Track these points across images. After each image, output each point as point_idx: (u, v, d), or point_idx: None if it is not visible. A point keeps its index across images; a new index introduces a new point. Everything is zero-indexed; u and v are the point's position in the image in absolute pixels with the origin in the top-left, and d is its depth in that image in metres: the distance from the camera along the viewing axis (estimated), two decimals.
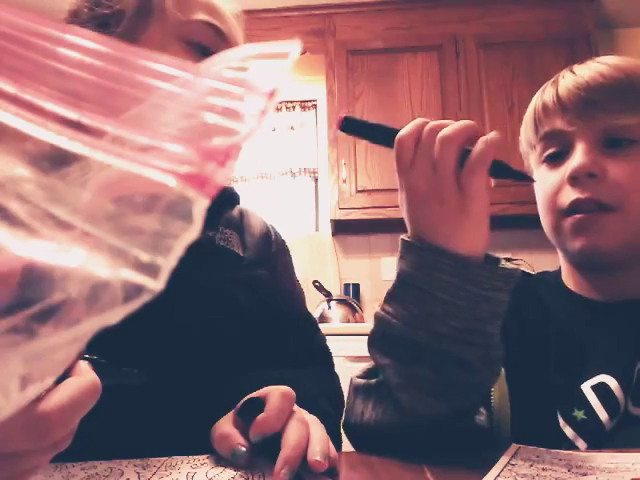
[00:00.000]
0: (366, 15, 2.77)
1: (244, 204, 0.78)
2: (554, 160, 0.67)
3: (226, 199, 0.73)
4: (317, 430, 0.45)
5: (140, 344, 0.55)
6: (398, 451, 0.49)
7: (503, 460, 0.45)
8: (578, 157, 0.62)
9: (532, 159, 0.71)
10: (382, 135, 0.53)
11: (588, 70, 0.65)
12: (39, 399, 0.27)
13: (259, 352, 0.64)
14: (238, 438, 0.44)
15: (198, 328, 0.61)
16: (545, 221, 0.68)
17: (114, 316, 0.17)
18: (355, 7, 2.77)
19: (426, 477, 0.44)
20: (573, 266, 0.70)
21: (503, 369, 0.61)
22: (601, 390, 0.59)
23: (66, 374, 0.30)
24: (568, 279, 0.72)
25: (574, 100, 0.64)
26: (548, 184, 0.66)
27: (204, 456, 0.47)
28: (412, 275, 0.52)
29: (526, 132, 0.71)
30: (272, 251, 0.75)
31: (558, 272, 0.74)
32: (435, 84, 2.68)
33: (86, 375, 0.30)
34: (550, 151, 0.67)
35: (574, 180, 0.63)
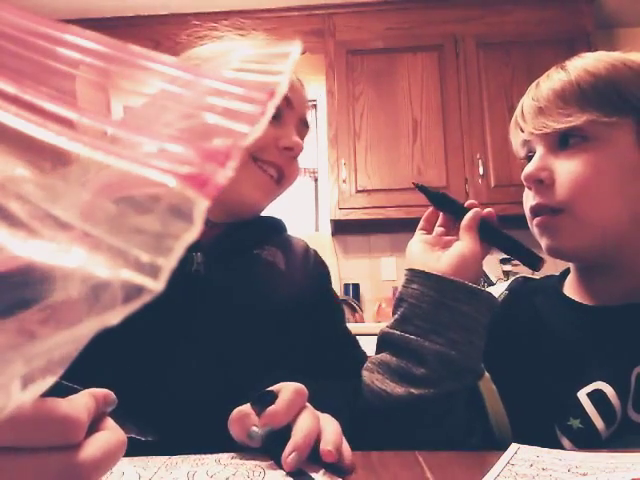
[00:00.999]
0: (366, 15, 2.78)
1: (290, 233, 0.86)
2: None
3: (274, 225, 0.81)
4: (330, 424, 0.46)
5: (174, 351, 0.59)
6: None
7: (503, 460, 0.45)
8: (529, 165, 0.66)
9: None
10: (449, 206, 0.68)
11: (549, 79, 0.67)
12: (75, 449, 0.28)
13: (293, 364, 0.65)
14: (255, 419, 0.45)
15: (236, 337, 0.64)
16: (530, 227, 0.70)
17: (114, 316, 0.17)
18: (355, 7, 2.77)
19: (426, 477, 0.44)
20: (585, 278, 0.70)
21: (493, 383, 0.64)
22: (597, 397, 0.58)
23: (94, 427, 0.31)
24: (570, 282, 0.71)
25: (531, 112, 0.67)
26: (524, 190, 0.69)
27: (204, 455, 0.47)
28: (399, 291, 0.64)
29: (511, 137, 0.75)
30: (310, 268, 0.79)
31: (560, 276, 0.74)
32: (435, 84, 2.68)
33: (115, 430, 0.32)
34: (523, 156, 0.71)
35: (529, 187, 0.66)
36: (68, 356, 0.19)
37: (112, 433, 0.32)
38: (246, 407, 0.48)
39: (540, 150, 0.65)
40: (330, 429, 0.45)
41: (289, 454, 0.41)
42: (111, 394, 0.35)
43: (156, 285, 0.17)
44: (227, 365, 0.61)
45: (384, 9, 2.77)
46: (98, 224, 0.18)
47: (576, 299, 0.68)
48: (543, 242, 0.65)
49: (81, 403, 0.30)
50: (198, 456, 0.48)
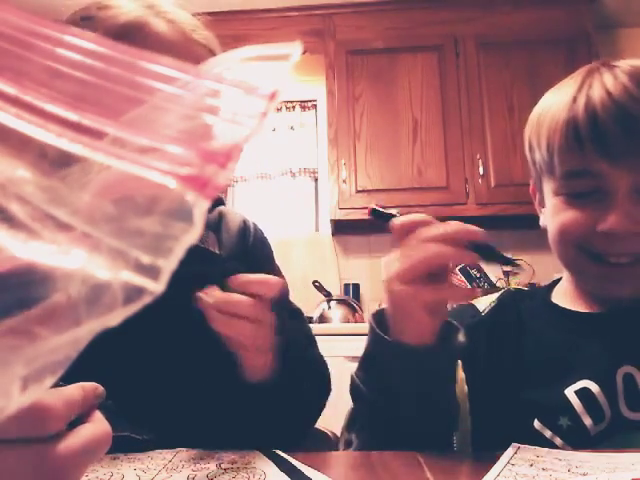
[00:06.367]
0: (366, 15, 2.77)
1: (227, 207, 0.79)
2: (579, 198, 0.61)
3: None
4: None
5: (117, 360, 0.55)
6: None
7: (503, 460, 0.45)
8: (618, 213, 0.57)
9: (546, 184, 0.66)
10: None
11: (626, 92, 0.57)
12: (52, 441, 0.28)
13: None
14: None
15: (171, 329, 0.61)
16: (560, 253, 0.65)
17: (114, 318, 0.17)
18: (355, 7, 2.77)
19: (426, 477, 0.44)
20: (581, 290, 0.68)
21: (466, 388, 0.63)
22: (584, 395, 0.59)
23: (81, 419, 0.31)
24: (562, 291, 0.71)
25: (617, 139, 0.57)
26: (569, 220, 0.61)
27: (205, 458, 0.47)
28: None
29: (544, 152, 0.63)
30: (249, 245, 0.74)
31: (549, 286, 0.74)
32: (435, 84, 2.68)
33: (100, 423, 0.31)
34: (577, 191, 0.61)
35: (611, 234, 0.58)
36: (68, 357, 0.19)
37: (96, 426, 0.31)
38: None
39: (620, 195, 0.57)
40: None
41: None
42: (100, 387, 0.34)
43: (156, 286, 0.17)
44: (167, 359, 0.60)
45: (384, 9, 2.76)
46: (98, 225, 0.18)
47: (566, 307, 0.68)
48: (609, 289, 0.61)
49: (57, 393, 0.30)
50: (199, 459, 0.48)
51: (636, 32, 2.89)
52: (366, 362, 0.58)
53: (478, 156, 2.59)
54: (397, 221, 0.53)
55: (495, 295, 0.76)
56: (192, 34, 0.64)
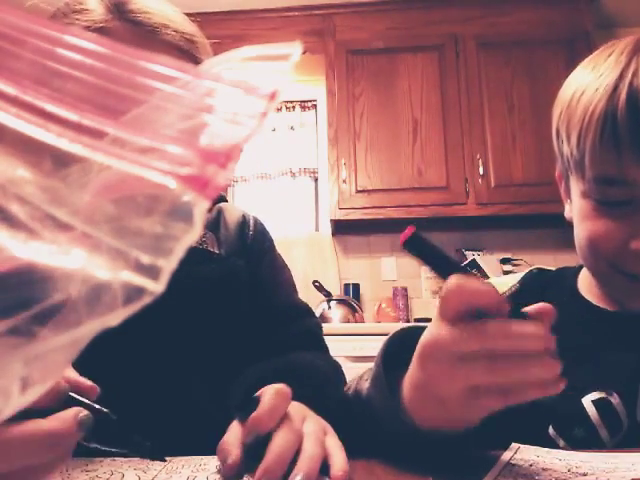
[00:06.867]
0: (366, 15, 2.78)
1: (226, 203, 0.79)
2: (611, 207, 0.54)
3: None
4: (311, 445, 0.41)
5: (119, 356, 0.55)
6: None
7: (503, 460, 0.45)
8: None
9: (574, 181, 0.59)
10: (443, 267, 0.43)
11: None
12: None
13: (244, 346, 0.64)
14: (231, 448, 0.41)
15: (168, 331, 0.60)
16: (589, 264, 0.60)
17: (114, 318, 0.17)
18: (355, 7, 2.78)
19: (426, 477, 0.43)
20: (605, 291, 0.64)
21: None
22: (602, 406, 0.56)
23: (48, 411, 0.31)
24: (588, 280, 0.66)
25: None
26: (599, 233, 0.55)
27: (205, 459, 0.47)
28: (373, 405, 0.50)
29: (574, 147, 0.55)
30: (248, 241, 0.73)
31: (576, 269, 0.68)
32: (435, 84, 2.68)
33: (52, 422, 0.31)
34: (609, 199, 0.54)
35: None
36: (68, 357, 0.19)
37: (47, 422, 0.30)
38: (229, 432, 0.43)
39: None
40: (308, 452, 0.40)
41: (259, 478, 0.37)
42: (85, 383, 0.34)
43: (156, 286, 0.17)
44: (178, 365, 0.60)
45: (384, 9, 2.77)
46: (98, 225, 0.18)
47: (592, 300, 0.64)
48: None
49: None
50: (199, 459, 0.47)
51: (636, 32, 2.88)
52: (368, 415, 0.50)
53: (478, 156, 2.59)
54: (454, 290, 0.39)
55: (518, 276, 0.70)
56: (156, 35, 0.59)
